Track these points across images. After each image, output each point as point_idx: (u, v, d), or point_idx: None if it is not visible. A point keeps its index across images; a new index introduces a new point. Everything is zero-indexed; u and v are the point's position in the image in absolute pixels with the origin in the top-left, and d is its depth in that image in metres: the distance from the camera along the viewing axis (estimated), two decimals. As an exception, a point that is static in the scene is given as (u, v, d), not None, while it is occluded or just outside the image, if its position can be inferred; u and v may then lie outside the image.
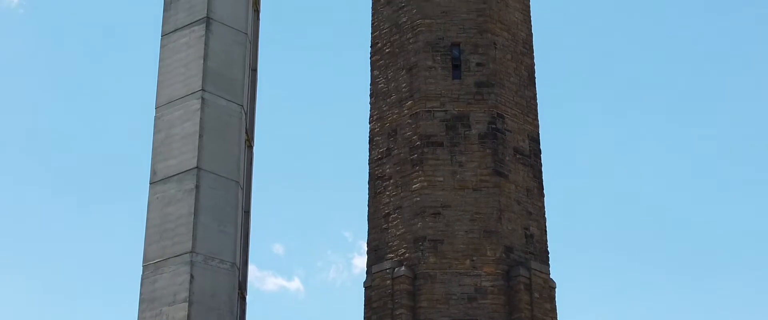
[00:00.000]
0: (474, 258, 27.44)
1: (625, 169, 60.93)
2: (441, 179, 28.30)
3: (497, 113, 28.87)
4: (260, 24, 32.80)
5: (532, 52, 30.67)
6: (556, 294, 27.73)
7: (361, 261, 60.49)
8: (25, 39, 63.95)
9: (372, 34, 31.02)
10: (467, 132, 28.70)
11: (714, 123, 61.05)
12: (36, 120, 62.11)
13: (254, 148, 30.25)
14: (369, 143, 29.88)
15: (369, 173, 29.58)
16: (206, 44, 28.23)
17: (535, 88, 30.25)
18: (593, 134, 61.76)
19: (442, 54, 29.50)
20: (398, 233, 28.17)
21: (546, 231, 28.59)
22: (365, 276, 28.23)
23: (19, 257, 58.00)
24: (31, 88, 62.57)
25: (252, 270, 30.82)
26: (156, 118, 28.11)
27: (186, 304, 25.06)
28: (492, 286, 27.18)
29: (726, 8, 63.63)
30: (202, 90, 27.57)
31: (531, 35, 30.88)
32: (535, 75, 30.46)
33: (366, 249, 28.83)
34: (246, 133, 28.85)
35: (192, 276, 25.36)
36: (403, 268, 27.38)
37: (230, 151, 27.71)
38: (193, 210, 26.20)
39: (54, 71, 63.30)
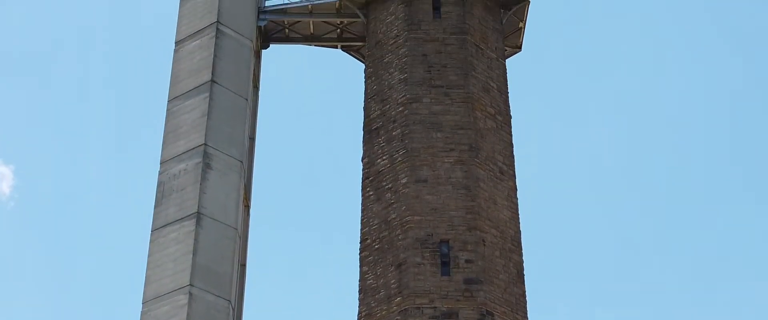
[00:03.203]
0: None
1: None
2: (430, 377, 27.99)
3: (486, 310, 28.74)
4: (250, 218, 33.00)
5: (521, 249, 30.77)
6: None
7: None
8: (16, 229, 64.05)
9: (361, 230, 31.14)
10: (456, 329, 28.51)
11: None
12: (23, 309, 61.61)
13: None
14: (357, 340, 29.64)
15: (357, 370, 29.26)
16: (196, 239, 28.32)
17: (523, 284, 30.22)
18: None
19: (431, 250, 29.56)
20: None
21: None
22: None
23: None
24: (20, 277, 62.33)
25: None
26: (142, 313, 27.95)
27: None
28: None
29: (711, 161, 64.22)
30: (190, 285, 27.52)
31: (519, 232, 31.03)
32: (524, 272, 30.48)
33: None
34: (233, 328, 28.64)
35: None
36: None
37: (217, 346, 27.48)
38: None
39: (43, 261, 63.18)
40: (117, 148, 64.14)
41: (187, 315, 27.12)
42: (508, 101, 33.48)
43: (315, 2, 35.96)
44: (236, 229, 29.44)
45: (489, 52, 33.74)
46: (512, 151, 32.43)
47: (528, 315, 29.80)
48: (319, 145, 63.35)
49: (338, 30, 36.70)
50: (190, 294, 27.48)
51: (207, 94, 31.37)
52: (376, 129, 32.37)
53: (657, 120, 64.70)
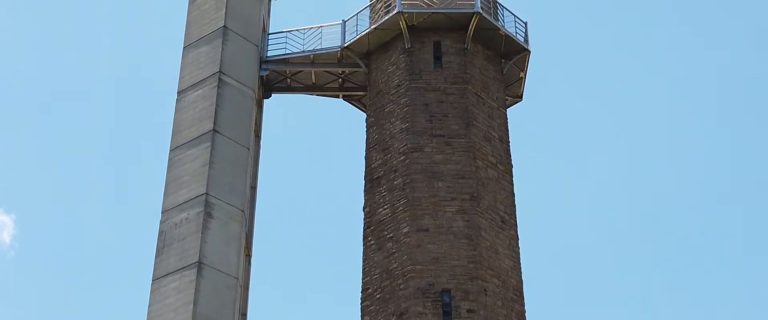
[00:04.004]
0: None
1: None
2: None
3: (488, 360, 28.63)
4: (251, 268, 32.92)
5: (523, 299, 30.67)
6: None
7: None
8: (16, 279, 63.93)
9: (363, 279, 31.07)
10: (458, 379, 28.39)
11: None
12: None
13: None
14: (359, 390, 29.52)
15: None
16: (196, 289, 28.25)
17: (526, 334, 30.13)
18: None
19: (432, 300, 29.47)
20: None
21: None
22: None
23: None
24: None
25: None
26: (143, 363, 27.84)
27: None
28: None
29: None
30: (191, 335, 27.40)
31: (521, 282, 30.96)
32: (526, 322, 30.42)
33: None
34: (234, 379, 28.51)
35: None
36: None
37: None
38: None
39: (43, 311, 63.01)
40: (118, 197, 64.19)
41: (188, 365, 26.99)
42: (509, 150, 33.52)
43: (317, 52, 36.12)
44: (237, 279, 29.37)
45: (490, 101, 33.83)
46: (514, 200, 32.42)
47: (530, 365, 29.69)
48: (320, 195, 63.37)
49: (340, 79, 36.83)
50: (191, 344, 27.34)
51: (209, 144, 31.43)
52: (377, 178, 32.39)
53: (660, 168, 64.80)
